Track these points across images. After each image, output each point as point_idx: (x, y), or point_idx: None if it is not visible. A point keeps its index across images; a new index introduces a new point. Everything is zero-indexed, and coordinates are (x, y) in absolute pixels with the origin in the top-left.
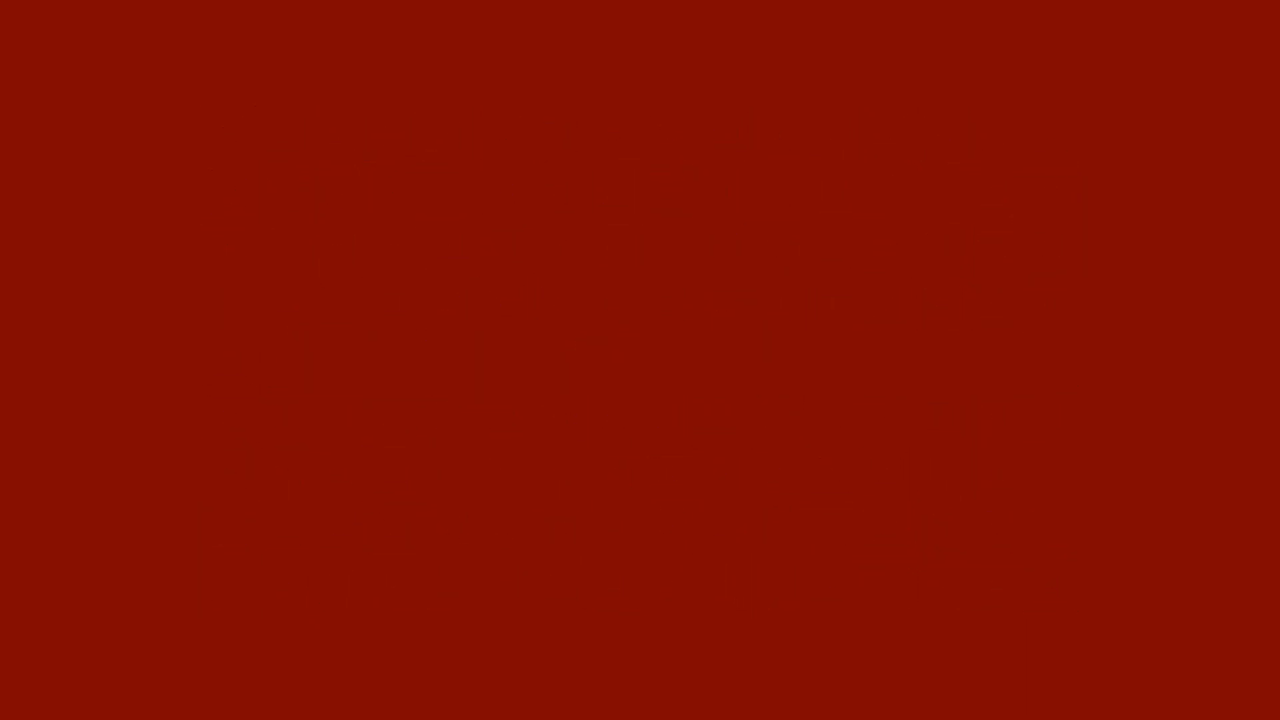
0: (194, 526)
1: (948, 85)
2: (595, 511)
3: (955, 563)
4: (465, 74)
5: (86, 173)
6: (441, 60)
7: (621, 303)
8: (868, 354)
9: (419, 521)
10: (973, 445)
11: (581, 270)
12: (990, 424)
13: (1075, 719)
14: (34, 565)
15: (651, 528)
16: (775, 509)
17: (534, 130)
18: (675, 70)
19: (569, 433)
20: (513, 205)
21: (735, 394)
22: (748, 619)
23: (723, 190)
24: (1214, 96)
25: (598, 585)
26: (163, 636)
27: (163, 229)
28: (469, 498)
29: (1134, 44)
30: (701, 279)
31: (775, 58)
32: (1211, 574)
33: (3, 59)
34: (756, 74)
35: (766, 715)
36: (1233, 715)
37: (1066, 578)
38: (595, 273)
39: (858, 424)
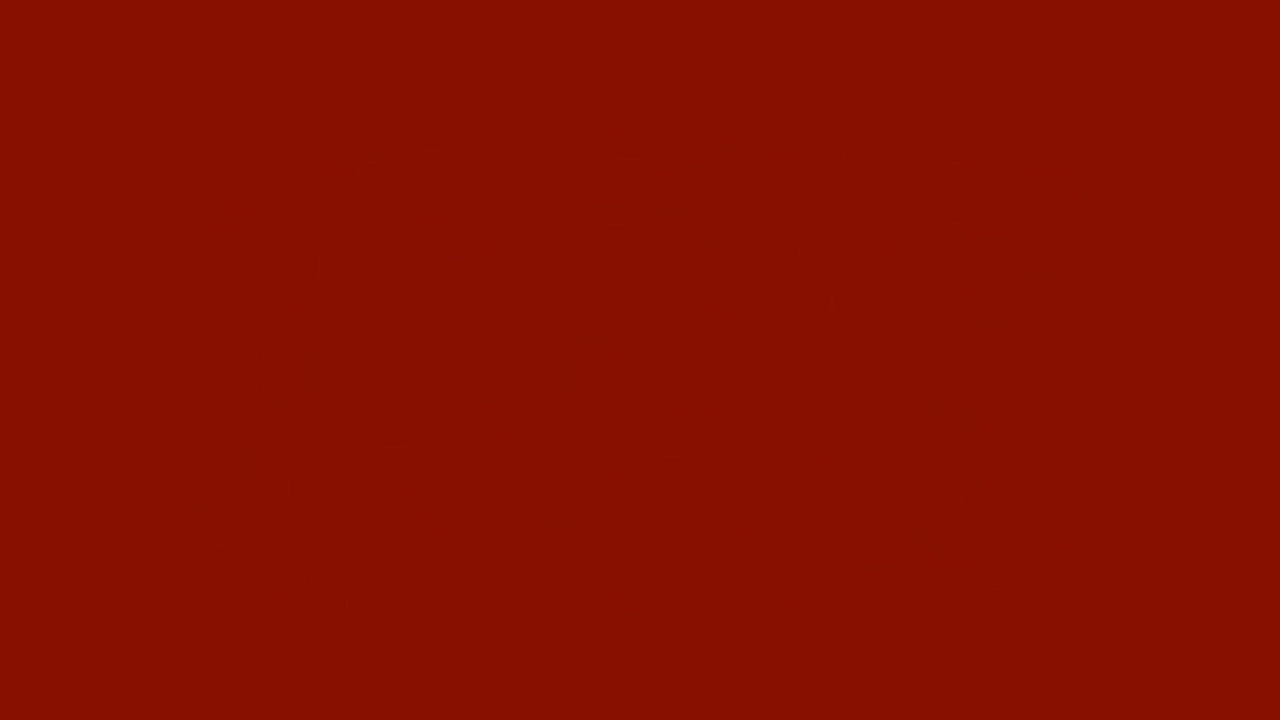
0: (194, 526)
1: (948, 85)
2: (595, 511)
3: (955, 563)
4: (465, 74)
5: (87, 173)
6: (441, 60)
7: (621, 303)
8: (868, 354)
9: (419, 521)
10: (973, 445)
11: (581, 270)
12: (990, 424)
13: (1075, 719)
14: (34, 565)
15: (651, 528)
16: (775, 509)
17: (534, 130)
18: (675, 70)
19: (569, 433)
20: (513, 205)
21: (735, 394)
22: (748, 619)
23: (723, 190)
24: (1214, 96)
25: (598, 585)
26: (163, 636)
27: (163, 229)
28: (469, 498)
29: (1134, 44)
30: (701, 279)
31: (775, 58)
32: (1212, 574)
33: (3, 59)
34: (756, 74)
35: (766, 715)
36: (1233, 715)
37: (1066, 578)
38: (595, 273)
39: (858, 424)
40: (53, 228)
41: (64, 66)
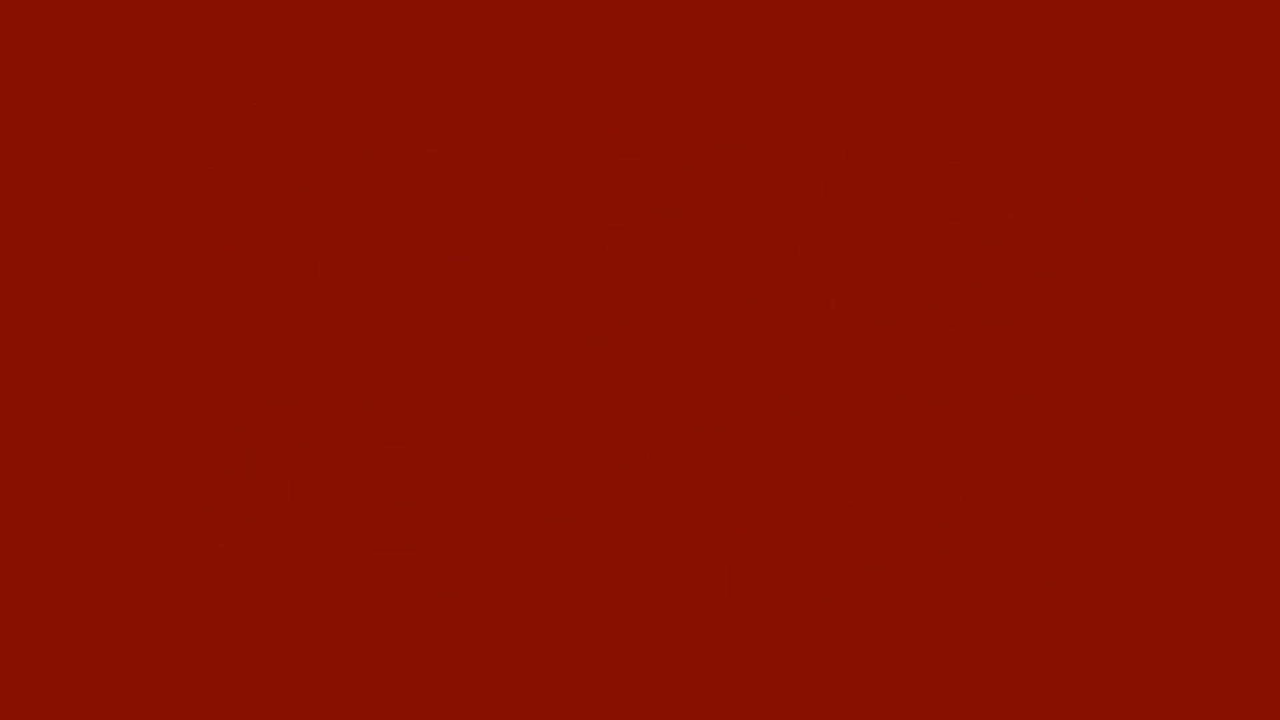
0: (194, 526)
1: (948, 85)
2: (595, 511)
3: (955, 563)
4: (465, 74)
5: (87, 173)
6: (442, 60)
7: (621, 303)
8: (868, 354)
9: (419, 522)
10: (973, 445)
11: (581, 270)
12: (990, 424)
13: (1075, 718)
14: (34, 565)
15: (652, 528)
16: (775, 509)
17: (534, 130)
18: (675, 70)
19: (569, 433)
20: (513, 205)
21: (735, 394)
22: (748, 619)
23: (723, 190)
24: (1214, 96)
25: (598, 585)
26: (163, 637)
27: (163, 229)
28: (469, 498)
29: (1134, 44)
30: (702, 279)
31: (775, 58)
32: (1212, 574)
33: (3, 59)
34: (756, 74)
35: (766, 715)
36: (1233, 715)
37: (1066, 578)
38: (595, 273)
39: (858, 424)
40: (53, 228)
41: (64, 67)
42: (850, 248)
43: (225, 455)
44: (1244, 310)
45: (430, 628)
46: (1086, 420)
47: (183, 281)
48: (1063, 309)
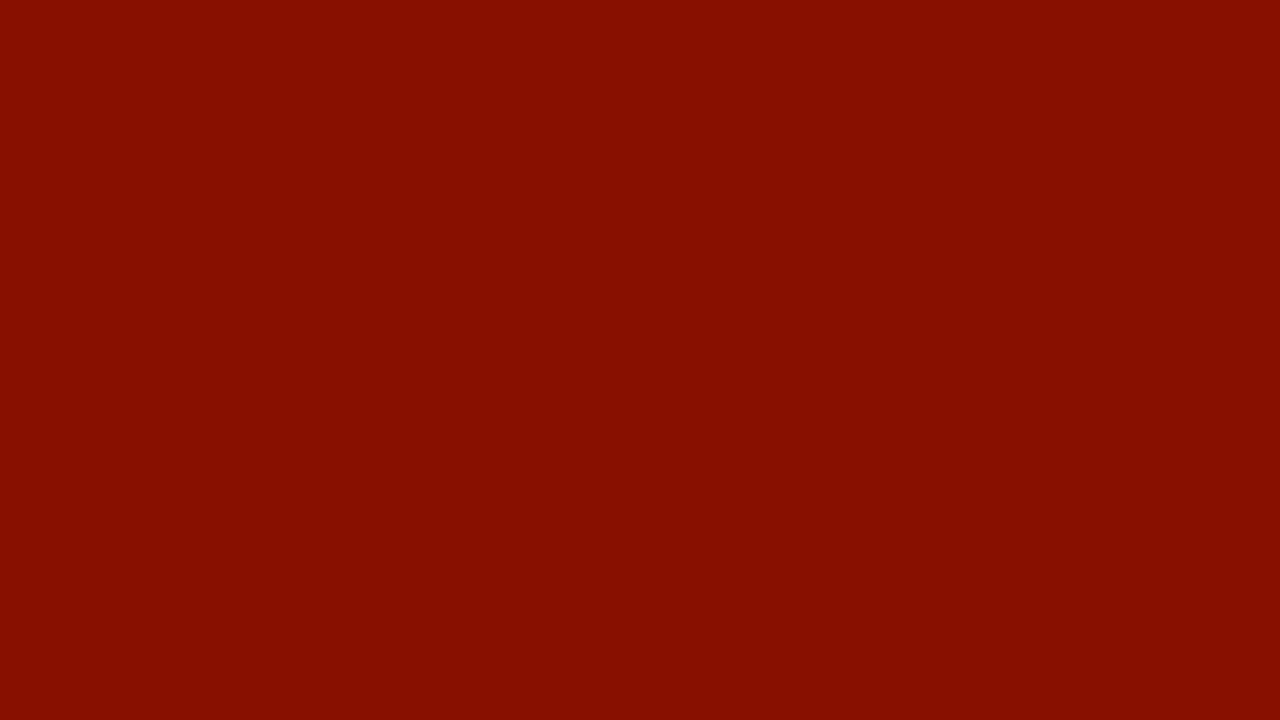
0: (194, 527)
1: (948, 85)
2: (595, 512)
3: (955, 563)
4: (466, 74)
5: (87, 173)
6: (442, 60)
7: (621, 303)
8: (868, 354)
9: (419, 522)
10: (972, 445)
11: (582, 270)
12: (990, 424)
13: (1075, 718)
14: (34, 565)
15: (652, 528)
16: (775, 509)
17: (534, 130)
18: (675, 70)
19: (569, 433)
20: (513, 205)
21: (735, 394)
22: (748, 619)
23: (723, 190)
24: (1214, 96)
25: (598, 585)
26: (163, 636)
27: (163, 229)
28: (469, 498)
29: (1134, 44)
30: (702, 279)
31: (775, 58)
32: (1212, 574)
33: (3, 59)
34: (756, 74)
35: (766, 715)
36: (1233, 715)
37: (1066, 578)
38: (595, 273)
39: (857, 424)
40: (53, 228)
41: (64, 66)
42: (850, 247)
43: (224, 455)
44: (1244, 310)
45: (430, 628)
46: (1086, 420)
47: (182, 281)
48: (1062, 309)
